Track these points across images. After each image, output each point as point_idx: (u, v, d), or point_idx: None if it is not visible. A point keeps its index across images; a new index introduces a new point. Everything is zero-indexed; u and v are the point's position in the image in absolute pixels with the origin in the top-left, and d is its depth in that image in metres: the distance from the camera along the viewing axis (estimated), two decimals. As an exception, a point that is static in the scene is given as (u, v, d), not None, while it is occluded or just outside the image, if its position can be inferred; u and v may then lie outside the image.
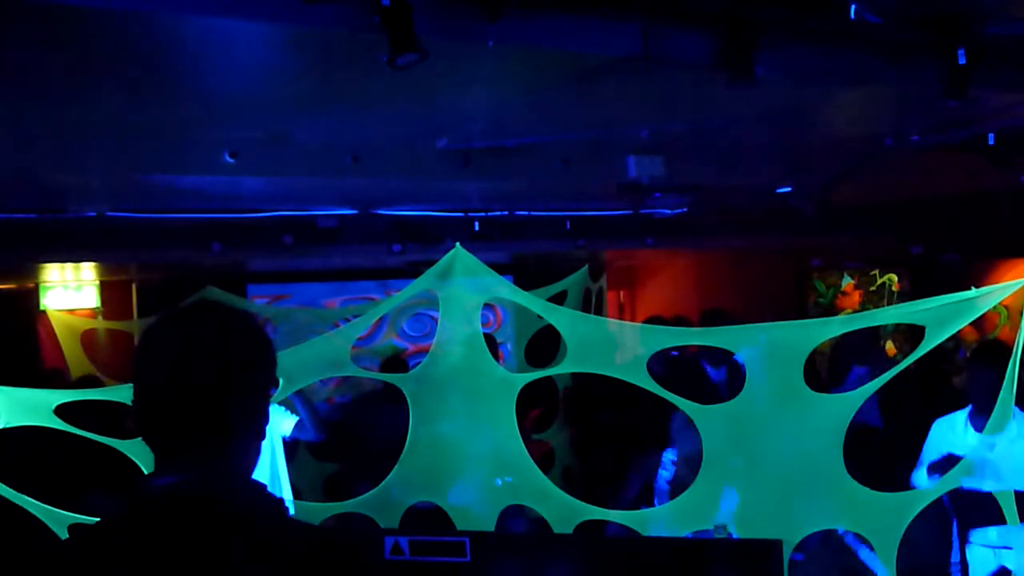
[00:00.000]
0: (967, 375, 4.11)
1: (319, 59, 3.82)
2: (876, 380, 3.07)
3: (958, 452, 3.96)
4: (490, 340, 6.46)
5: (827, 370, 6.58)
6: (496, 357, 6.17)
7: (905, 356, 3.00)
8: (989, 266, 8.36)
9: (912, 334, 3.15)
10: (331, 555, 1.50)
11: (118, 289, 9.51)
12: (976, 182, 7.06)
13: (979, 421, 4.01)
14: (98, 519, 1.53)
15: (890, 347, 9.26)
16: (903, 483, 4.04)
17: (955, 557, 3.81)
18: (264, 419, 1.59)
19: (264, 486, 1.55)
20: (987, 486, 3.56)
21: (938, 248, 8.87)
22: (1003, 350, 4.17)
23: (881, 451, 4.82)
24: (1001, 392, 2.90)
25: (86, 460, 4.16)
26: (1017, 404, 3.08)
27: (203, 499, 1.47)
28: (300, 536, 1.50)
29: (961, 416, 4.16)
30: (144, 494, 1.49)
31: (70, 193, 6.38)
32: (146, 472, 3.05)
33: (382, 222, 7.70)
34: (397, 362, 6.65)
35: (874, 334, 6.38)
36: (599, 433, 6.57)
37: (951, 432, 4.13)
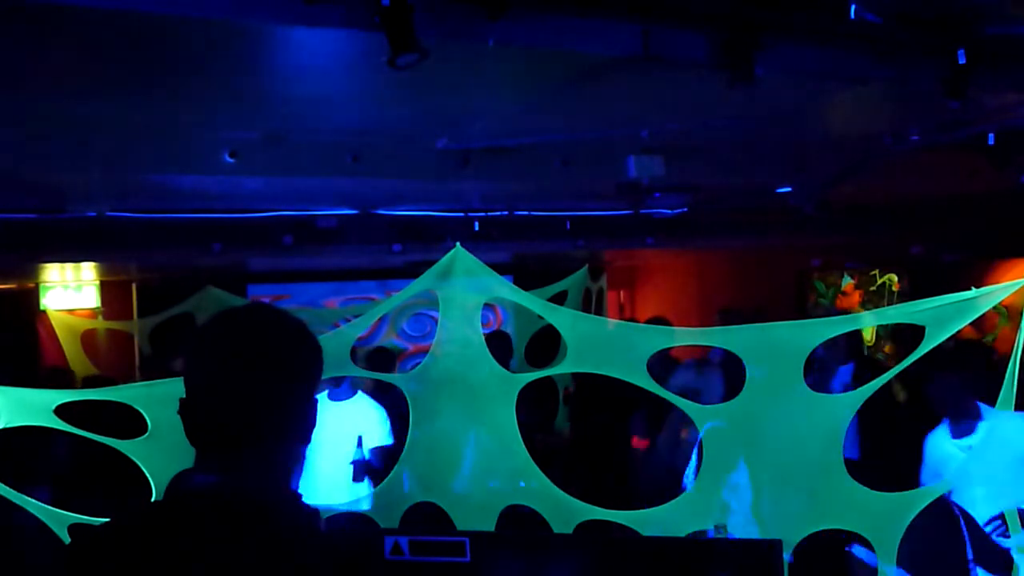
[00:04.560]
0: (934, 383, 4.04)
1: (320, 59, 3.82)
2: (877, 380, 3.06)
3: (943, 462, 3.97)
4: (504, 337, 6.49)
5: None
6: (508, 355, 6.18)
7: (901, 358, 2.99)
8: (989, 266, 8.36)
9: (907, 336, 3.15)
10: None
11: (118, 289, 9.52)
12: (976, 182, 7.06)
13: (955, 428, 4.02)
14: (97, 519, 1.53)
15: (888, 348, 9.28)
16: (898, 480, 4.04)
17: (970, 554, 3.80)
18: (310, 423, 1.59)
19: (300, 496, 1.54)
20: (976, 494, 3.57)
21: (938, 248, 8.88)
22: (972, 352, 4.09)
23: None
24: (1001, 393, 2.89)
25: (86, 460, 4.16)
26: (1018, 405, 3.08)
27: (236, 502, 1.46)
28: (320, 556, 1.47)
29: (943, 427, 4.13)
30: (181, 489, 1.50)
31: (70, 193, 6.38)
32: (146, 472, 3.07)
33: (382, 222, 7.71)
34: (384, 355, 6.65)
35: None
36: (600, 433, 6.56)
37: (942, 444, 4.11)
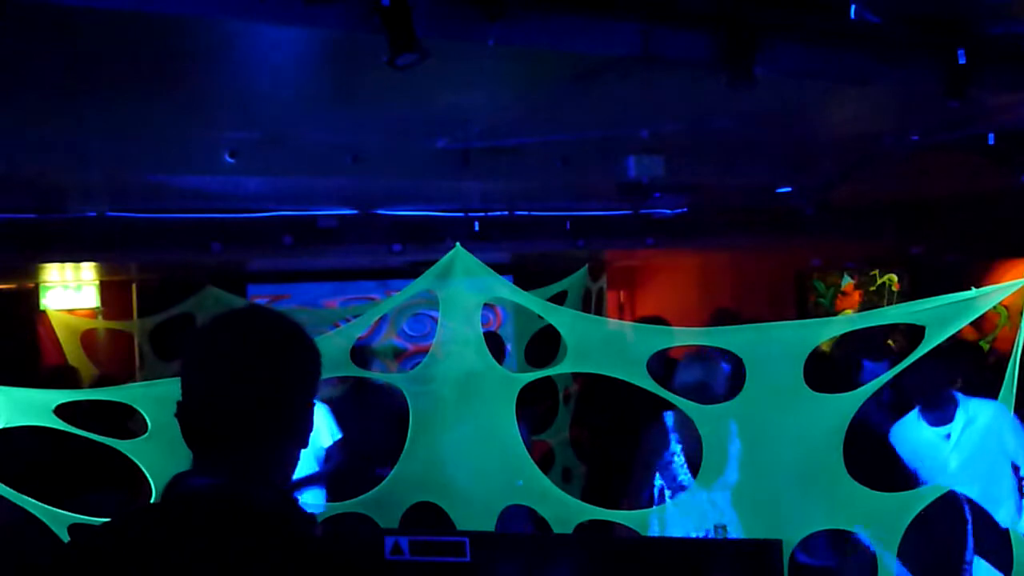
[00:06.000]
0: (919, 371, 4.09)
1: (320, 59, 3.82)
2: (876, 380, 3.07)
3: (921, 450, 4.00)
4: (495, 338, 6.50)
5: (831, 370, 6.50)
6: (500, 356, 6.20)
7: (903, 356, 2.99)
8: (989, 266, 8.36)
9: (911, 333, 3.14)
10: None
11: (118, 289, 9.51)
12: (976, 182, 7.07)
13: (932, 416, 4.05)
14: (98, 519, 1.53)
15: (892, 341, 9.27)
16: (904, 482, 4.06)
17: (968, 556, 3.82)
18: (307, 427, 1.59)
19: (296, 499, 1.54)
20: (957, 482, 3.61)
21: (938, 248, 8.88)
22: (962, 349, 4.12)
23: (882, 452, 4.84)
24: (1001, 393, 2.90)
25: (86, 460, 4.16)
26: (1018, 405, 3.09)
27: (233, 504, 1.46)
28: (316, 559, 1.47)
29: (912, 415, 4.17)
30: (177, 492, 1.50)
31: (70, 193, 6.39)
32: (146, 472, 3.07)
33: (382, 222, 7.71)
34: None
35: (885, 329, 6.25)
36: (600, 434, 6.56)
37: (918, 432, 4.14)
